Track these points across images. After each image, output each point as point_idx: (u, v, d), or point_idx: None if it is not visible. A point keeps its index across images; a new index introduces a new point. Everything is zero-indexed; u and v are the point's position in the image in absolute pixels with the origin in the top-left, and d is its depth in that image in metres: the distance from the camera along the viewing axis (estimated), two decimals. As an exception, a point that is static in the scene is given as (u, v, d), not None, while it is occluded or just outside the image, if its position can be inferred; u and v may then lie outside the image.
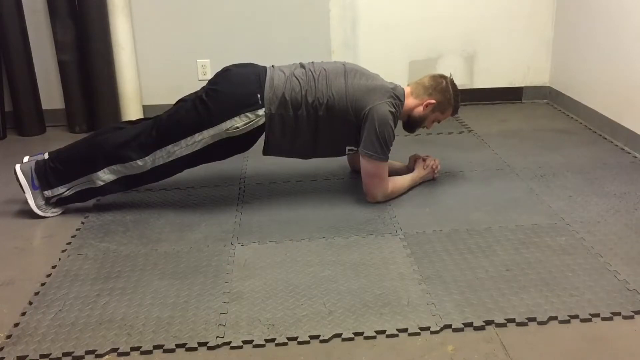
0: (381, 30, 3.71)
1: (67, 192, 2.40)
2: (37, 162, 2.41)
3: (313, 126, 2.39)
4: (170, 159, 2.36)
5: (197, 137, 2.33)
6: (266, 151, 2.47)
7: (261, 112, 2.32)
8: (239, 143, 2.39)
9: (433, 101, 2.50)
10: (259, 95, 2.33)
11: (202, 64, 3.66)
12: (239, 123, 2.31)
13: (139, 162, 2.36)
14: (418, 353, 1.63)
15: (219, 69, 2.47)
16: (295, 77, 2.38)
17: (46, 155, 2.45)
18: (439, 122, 2.63)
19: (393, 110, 2.38)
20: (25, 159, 2.45)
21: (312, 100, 2.35)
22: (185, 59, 3.65)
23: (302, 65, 2.45)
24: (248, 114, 2.31)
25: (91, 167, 2.37)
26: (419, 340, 1.68)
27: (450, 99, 2.53)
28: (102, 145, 2.39)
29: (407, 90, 2.53)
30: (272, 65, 2.47)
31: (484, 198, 2.54)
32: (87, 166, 2.38)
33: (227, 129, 2.31)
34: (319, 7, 3.64)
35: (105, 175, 2.37)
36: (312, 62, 2.48)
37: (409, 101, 2.51)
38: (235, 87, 2.36)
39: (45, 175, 2.39)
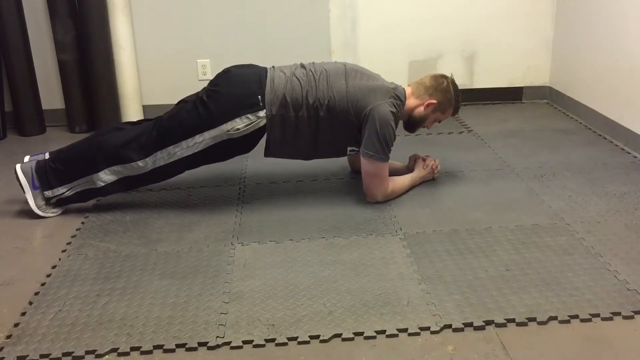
0: (381, 30, 3.71)
1: (68, 192, 2.40)
2: (38, 162, 2.41)
3: (314, 127, 2.38)
4: (171, 160, 2.36)
5: (198, 138, 2.32)
6: (267, 153, 2.46)
7: (262, 113, 2.32)
8: (241, 144, 2.39)
9: (434, 101, 2.50)
10: (259, 96, 2.33)
11: (202, 64, 3.66)
12: (239, 125, 2.31)
13: (140, 163, 2.35)
14: (418, 353, 1.63)
15: (219, 69, 2.46)
16: (296, 77, 2.38)
17: (47, 155, 2.45)
18: (439, 122, 2.64)
19: (394, 110, 2.38)
20: (26, 158, 2.45)
21: (313, 101, 2.34)
22: (185, 59, 3.65)
23: (302, 66, 2.45)
24: (249, 115, 2.31)
25: (92, 167, 2.37)
26: (419, 340, 1.68)
27: (452, 99, 2.53)
28: (102, 146, 2.39)
29: (408, 90, 2.53)
30: (273, 66, 2.46)
31: (484, 198, 2.54)
32: (87, 167, 2.38)
33: (228, 131, 2.31)
34: (319, 7, 3.64)
35: (106, 176, 2.37)
36: (313, 63, 2.48)
37: (410, 101, 2.51)
38: (236, 88, 2.36)
39: (46, 176, 2.39)
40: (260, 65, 2.48)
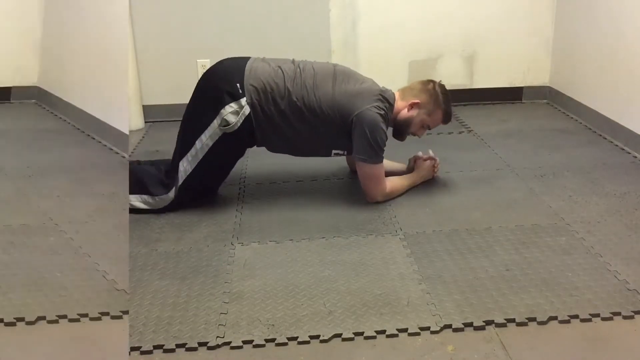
0: (381, 30, 3.71)
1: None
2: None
3: (297, 124, 2.37)
4: (183, 179, 2.40)
5: (197, 144, 2.36)
6: (259, 142, 2.47)
7: (243, 101, 2.32)
8: (239, 140, 2.39)
9: (417, 101, 2.48)
10: (238, 84, 2.34)
11: (202, 64, 3.66)
12: (226, 115, 2.31)
13: (163, 197, 2.43)
14: (418, 353, 1.63)
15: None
16: (282, 70, 2.39)
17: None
18: (429, 129, 2.60)
19: (381, 112, 2.37)
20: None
21: (296, 98, 2.34)
22: (185, 59, 3.65)
23: (292, 62, 2.46)
24: (232, 104, 2.32)
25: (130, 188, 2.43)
26: (419, 340, 1.68)
27: (438, 100, 2.49)
28: (134, 173, 2.46)
29: (397, 95, 2.52)
30: (258, 57, 2.47)
31: (484, 198, 2.54)
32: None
33: (220, 126, 2.32)
34: (319, 7, 3.64)
35: (136, 202, 2.43)
36: (304, 60, 2.48)
37: (397, 104, 2.49)
38: (214, 82, 2.40)
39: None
40: (248, 57, 2.49)
